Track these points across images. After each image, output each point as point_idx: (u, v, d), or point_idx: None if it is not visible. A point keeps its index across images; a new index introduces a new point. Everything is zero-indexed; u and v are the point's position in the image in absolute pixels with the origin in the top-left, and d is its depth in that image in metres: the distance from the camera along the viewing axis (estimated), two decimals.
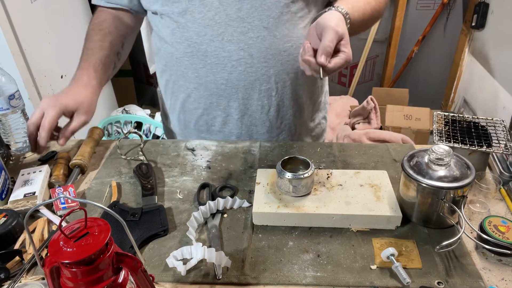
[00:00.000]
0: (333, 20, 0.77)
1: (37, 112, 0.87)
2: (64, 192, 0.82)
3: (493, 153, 0.89)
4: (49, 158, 0.98)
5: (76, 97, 0.91)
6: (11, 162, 0.98)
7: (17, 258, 0.69)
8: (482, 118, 0.91)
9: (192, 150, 1.00)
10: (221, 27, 0.89)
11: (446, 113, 0.94)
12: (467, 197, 0.72)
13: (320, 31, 0.77)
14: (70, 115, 0.91)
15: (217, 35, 0.90)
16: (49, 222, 0.78)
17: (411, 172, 0.73)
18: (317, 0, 0.95)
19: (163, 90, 1.11)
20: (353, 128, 2.63)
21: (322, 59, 0.75)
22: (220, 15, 0.88)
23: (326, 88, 1.18)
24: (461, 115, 0.93)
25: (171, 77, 1.02)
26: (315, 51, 0.76)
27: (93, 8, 1.08)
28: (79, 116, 0.90)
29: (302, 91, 1.03)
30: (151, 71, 2.61)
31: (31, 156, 1.00)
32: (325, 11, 0.81)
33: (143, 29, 2.35)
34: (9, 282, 0.65)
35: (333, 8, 0.81)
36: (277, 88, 0.97)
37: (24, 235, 0.74)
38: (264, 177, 0.83)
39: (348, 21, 0.81)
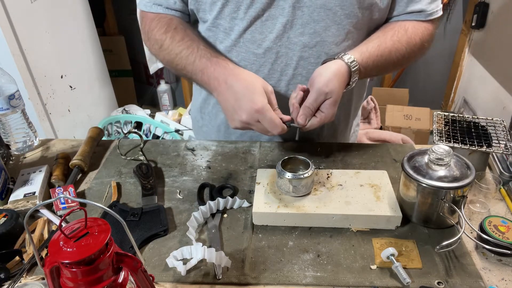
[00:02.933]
0: (327, 76, 0.77)
1: (266, 123, 0.76)
2: (64, 192, 0.82)
3: (493, 153, 0.89)
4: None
5: (253, 86, 0.77)
6: (11, 162, 0.98)
7: (17, 258, 0.69)
8: (482, 118, 0.91)
9: (192, 150, 1.00)
10: (281, 50, 0.86)
11: (446, 113, 0.94)
12: (467, 197, 0.72)
13: (311, 82, 0.79)
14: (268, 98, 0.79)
15: (276, 58, 0.87)
16: (49, 222, 0.78)
17: (411, 172, 0.73)
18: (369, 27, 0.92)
19: (202, 96, 1.05)
20: None
21: (300, 119, 0.78)
22: (281, 38, 0.85)
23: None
24: (461, 115, 0.93)
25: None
26: (306, 96, 0.79)
27: (93, 8, 1.06)
28: (268, 91, 0.79)
29: (354, 108, 1.05)
30: (151, 71, 2.61)
31: (31, 156, 1.00)
32: (332, 58, 0.82)
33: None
34: (9, 282, 0.65)
35: (340, 57, 0.81)
36: None
37: (24, 235, 0.74)
38: (264, 177, 0.83)
39: (356, 72, 0.81)
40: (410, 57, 0.89)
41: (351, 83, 0.83)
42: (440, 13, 0.90)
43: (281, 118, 0.78)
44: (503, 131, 0.87)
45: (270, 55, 0.88)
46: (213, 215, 0.79)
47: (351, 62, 0.81)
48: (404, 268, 0.65)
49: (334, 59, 0.82)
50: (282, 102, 0.84)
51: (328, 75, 0.78)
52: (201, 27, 0.93)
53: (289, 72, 0.90)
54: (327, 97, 0.78)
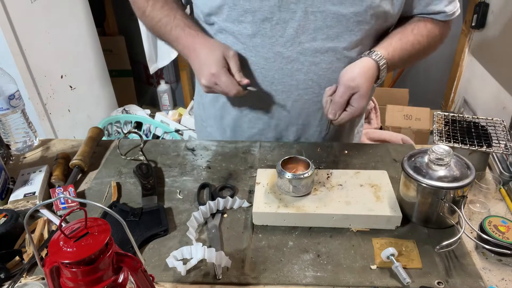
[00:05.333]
0: (353, 71, 0.81)
1: (219, 88, 0.82)
2: (64, 192, 0.82)
3: (493, 153, 0.89)
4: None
5: (210, 51, 0.83)
6: (11, 162, 0.98)
7: (17, 258, 0.69)
8: (482, 118, 0.91)
9: (192, 150, 1.00)
10: (292, 54, 0.86)
11: (446, 113, 0.93)
12: (467, 197, 0.72)
13: (339, 79, 0.83)
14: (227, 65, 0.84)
15: (287, 63, 0.87)
16: (49, 222, 0.78)
17: (411, 172, 0.72)
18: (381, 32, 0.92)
19: (210, 97, 1.03)
20: None
21: (330, 115, 0.83)
22: (292, 42, 0.85)
23: None
24: (461, 115, 0.93)
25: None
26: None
27: (93, 8, 1.05)
28: (228, 56, 0.83)
29: None
30: (151, 71, 2.61)
31: (31, 156, 1.00)
32: (361, 56, 0.85)
33: (144, 29, 2.35)
34: (9, 282, 0.65)
35: (368, 54, 0.84)
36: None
37: (24, 235, 0.74)
38: (264, 177, 0.83)
39: (384, 66, 0.84)
40: (430, 48, 0.93)
41: (380, 77, 0.85)
42: (458, 12, 0.92)
43: (240, 82, 0.83)
44: (503, 131, 0.87)
45: (281, 60, 0.87)
46: (213, 215, 0.79)
47: (378, 58, 0.83)
48: (404, 268, 0.65)
49: (361, 57, 0.85)
50: (295, 105, 0.90)
51: (356, 71, 0.82)
52: (211, 30, 0.92)
53: (300, 77, 0.89)
54: (354, 91, 0.81)
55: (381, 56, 0.84)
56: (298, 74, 0.88)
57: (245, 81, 0.83)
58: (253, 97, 0.91)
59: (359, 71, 0.82)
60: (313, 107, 0.94)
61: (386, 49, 0.86)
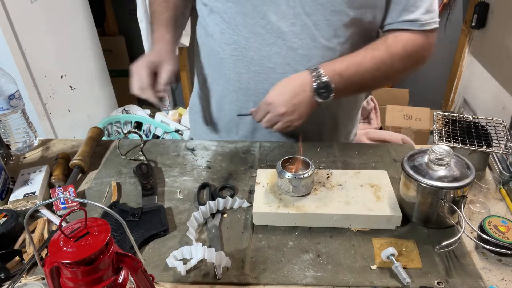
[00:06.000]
0: (275, 90, 0.85)
1: (134, 78, 0.89)
2: (64, 192, 0.82)
3: (493, 153, 0.89)
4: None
5: (157, 53, 0.92)
6: (11, 162, 0.98)
7: (17, 258, 0.69)
8: (482, 118, 0.91)
9: (192, 150, 1.00)
10: (271, 37, 0.87)
11: (446, 113, 0.93)
12: (467, 197, 0.72)
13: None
14: (159, 69, 0.91)
15: (266, 45, 0.88)
16: (49, 222, 0.78)
17: (411, 172, 0.72)
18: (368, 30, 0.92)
19: (200, 80, 1.09)
20: None
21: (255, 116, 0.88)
22: (272, 25, 0.86)
23: (361, 103, 1.17)
24: (461, 115, 0.93)
25: (212, 74, 1.02)
26: None
27: (93, 8, 1.08)
28: (164, 67, 0.90)
29: (341, 110, 1.04)
30: None
31: (31, 156, 1.00)
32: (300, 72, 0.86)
33: (144, 29, 2.35)
34: (9, 282, 0.65)
35: (310, 69, 0.85)
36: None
37: (24, 235, 0.74)
38: (264, 177, 0.83)
39: (322, 83, 0.83)
40: (406, 66, 0.89)
41: (322, 93, 0.84)
42: (436, 25, 0.88)
43: (157, 90, 0.89)
44: (503, 131, 0.87)
45: (260, 41, 0.89)
46: (213, 215, 0.79)
47: (316, 74, 0.83)
48: (404, 268, 0.65)
49: (307, 69, 0.85)
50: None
51: (277, 90, 0.85)
52: (205, 11, 0.96)
53: (278, 60, 0.90)
54: (267, 111, 0.85)
55: (320, 73, 0.83)
56: (276, 57, 0.89)
57: (160, 94, 0.89)
58: (233, 77, 0.95)
59: (280, 90, 0.84)
60: None
61: (333, 66, 0.85)
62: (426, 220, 0.75)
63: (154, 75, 0.90)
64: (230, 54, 0.93)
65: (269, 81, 0.91)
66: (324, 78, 0.83)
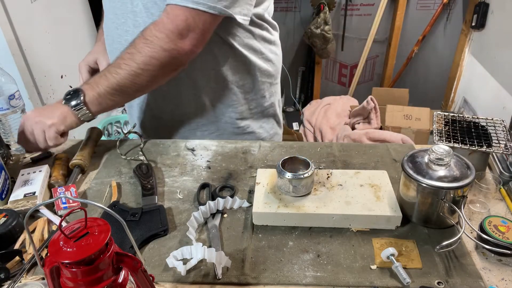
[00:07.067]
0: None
1: (80, 77, 1.07)
2: (66, 192, 0.82)
3: (493, 153, 0.89)
4: (43, 158, 0.98)
5: (93, 52, 1.10)
6: (11, 162, 0.98)
7: (17, 258, 0.69)
8: (482, 118, 0.91)
9: (192, 150, 1.00)
10: (122, 18, 0.96)
11: (446, 113, 0.93)
12: (467, 197, 0.72)
13: None
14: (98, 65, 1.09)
15: (119, 24, 0.97)
16: (49, 222, 0.78)
17: (411, 172, 0.72)
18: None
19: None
20: (353, 128, 2.63)
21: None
22: (122, 8, 0.95)
23: (275, 98, 1.14)
24: (461, 115, 0.93)
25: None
26: None
27: (93, 8, 1.12)
28: (100, 61, 1.07)
29: (199, 76, 1.01)
30: None
31: (31, 156, 1.00)
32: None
33: None
34: (9, 282, 0.65)
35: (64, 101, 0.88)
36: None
37: (24, 235, 0.74)
38: (264, 177, 0.83)
39: (77, 111, 0.87)
40: (137, 78, 0.88)
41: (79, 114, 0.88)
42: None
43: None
44: (503, 131, 0.87)
45: (117, 21, 0.97)
46: (213, 215, 0.79)
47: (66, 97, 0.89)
48: (404, 268, 0.65)
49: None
50: None
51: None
52: None
53: (128, 38, 0.93)
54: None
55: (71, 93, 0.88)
56: (126, 35, 0.96)
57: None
58: (111, 59, 1.05)
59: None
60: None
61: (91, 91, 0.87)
62: (426, 220, 0.75)
63: (94, 71, 1.06)
64: (106, 36, 1.04)
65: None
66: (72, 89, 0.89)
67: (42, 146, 0.88)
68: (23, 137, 0.89)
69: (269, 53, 1.06)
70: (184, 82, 1.01)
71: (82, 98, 0.86)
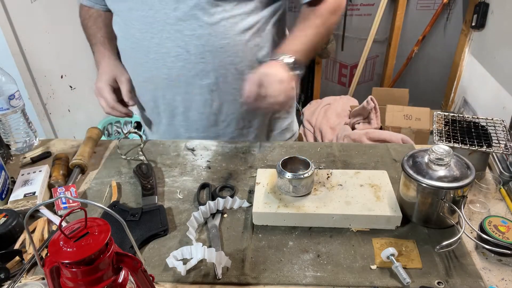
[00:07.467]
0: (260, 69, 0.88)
1: (101, 101, 1.01)
2: (66, 192, 0.82)
3: (493, 153, 0.89)
4: (42, 158, 0.98)
5: (106, 71, 1.03)
6: (11, 162, 0.98)
7: (17, 258, 0.69)
8: (482, 118, 0.91)
9: (192, 150, 1.00)
10: (160, 25, 0.93)
11: (446, 113, 0.93)
12: (467, 197, 0.72)
13: None
14: (116, 82, 1.03)
15: (157, 32, 0.93)
16: (49, 222, 0.78)
17: (411, 172, 0.72)
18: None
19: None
20: (353, 128, 2.62)
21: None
22: (159, 14, 0.92)
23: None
24: (461, 115, 0.93)
25: (128, 69, 1.08)
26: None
27: None
28: (120, 79, 1.02)
29: None
30: None
31: (31, 156, 1.00)
32: (271, 59, 0.90)
33: None
34: (9, 282, 0.65)
35: (274, 59, 0.88)
36: (217, 84, 0.98)
37: (24, 235, 0.74)
38: (264, 177, 0.83)
39: (292, 66, 0.87)
40: (332, 25, 0.99)
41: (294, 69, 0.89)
42: None
43: (127, 102, 1.01)
44: (503, 131, 0.87)
45: (152, 30, 0.94)
46: (213, 215, 0.79)
47: (289, 64, 0.87)
48: (404, 268, 0.65)
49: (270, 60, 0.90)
50: (172, 73, 0.96)
51: (273, 72, 0.87)
52: (114, 15, 1.03)
53: (169, 45, 0.94)
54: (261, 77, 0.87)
55: (289, 61, 0.88)
56: (167, 42, 0.94)
57: (131, 102, 1.02)
58: (137, 69, 1.02)
59: (276, 77, 0.87)
60: (188, 74, 0.96)
61: (292, 45, 0.91)
62: (426, 220, 0.75)
63: (115, 90, 1.01)
64: (130, 47, 0.99)
65: (167, 66, 0.96)
66: (291, 60, 0.88)
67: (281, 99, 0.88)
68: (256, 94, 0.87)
69: None
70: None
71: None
